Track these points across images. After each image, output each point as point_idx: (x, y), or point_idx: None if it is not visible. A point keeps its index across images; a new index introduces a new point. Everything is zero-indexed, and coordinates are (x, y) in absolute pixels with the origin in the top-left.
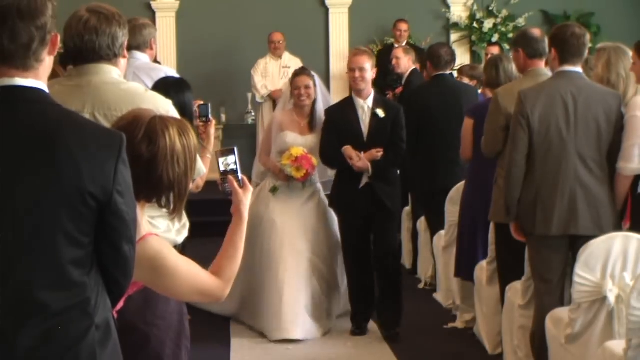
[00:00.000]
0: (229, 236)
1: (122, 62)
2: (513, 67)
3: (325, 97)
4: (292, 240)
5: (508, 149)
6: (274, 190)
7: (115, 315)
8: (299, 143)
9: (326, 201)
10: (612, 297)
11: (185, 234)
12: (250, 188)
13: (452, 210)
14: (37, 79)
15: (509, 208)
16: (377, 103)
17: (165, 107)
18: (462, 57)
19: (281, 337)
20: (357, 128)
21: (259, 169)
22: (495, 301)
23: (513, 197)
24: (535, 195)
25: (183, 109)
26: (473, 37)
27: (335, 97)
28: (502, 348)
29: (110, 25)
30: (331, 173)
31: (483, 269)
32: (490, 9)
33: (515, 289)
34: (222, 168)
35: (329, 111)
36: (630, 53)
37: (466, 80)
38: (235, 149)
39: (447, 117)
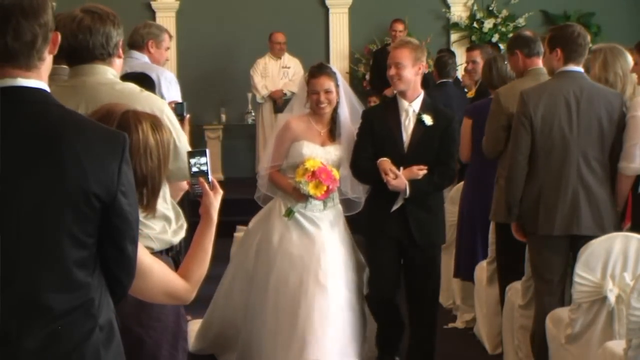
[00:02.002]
0: (197, 239)
1: (118, 62)
2: (507, 67)
3: (350, 99)
4: (314, 276)
5: (510, 148)
6: (289, 213)
7: None
8: (319, 155)
9: (345, 223)
10: (612, 297)
11: (182, 235)
12: (220, 191)
13: (451, 210)
14: (39, 79)
15: (510, 208)
16: (425, 107)
17: (160, 107)
18: (463, 57)
19: None
20: (396, 135)
21: (268, 184)
22: (495, 301)
23: (515, 197)
24: (537, 195)
25: None
26: (473, 37)
27: None
28: (502, 348)
29: (104, 25)
30: (363, 189)
31: (483, 269)
32: (491, 9)
33: (516, 289)
34: (193, 169)
35: (367, 112)
36: (627, 53)
37: None
38: (207, 151)
39: None
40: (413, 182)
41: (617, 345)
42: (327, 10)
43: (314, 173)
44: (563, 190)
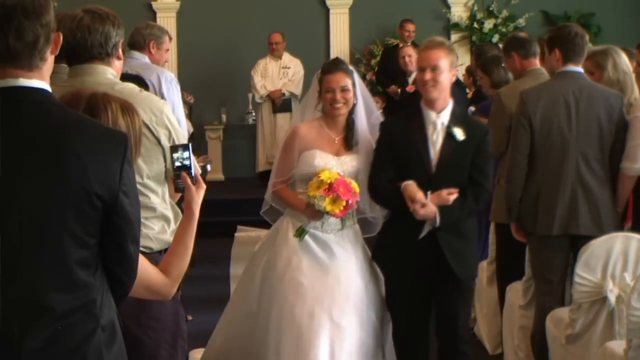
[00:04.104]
0: (178, 233)
1: (117, 63)
2: None
3: (367, 102)
4: (327, 312)
5: (509, 148)
6: (300, 233)
7: None
8: (333, 166)
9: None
10: (612, 298)
11: None
12: (204, 185)
13: None
14: (41, 79)
15: (510, 208)
16: (455, 119)
17: (160, 107)
18: (463, 58)
19: None
20: (422, 152)
21: (275, 200)
22: (496, 301)
23: (514, 197)
24: (536, 195)
25: None
26: (473, 38)
27: None
28: (502, 348)
29: (103, 24)
30: (381, 208)
31: (483, 269)
32: (491, 9)
33: (516, 289)
34: (175, 164)
35: (386, 125)
36: (622, 53)
37: None
38: (190, 145)
39: None
40: (443, 209)
41: (618, 345)
42: (327, 10)
43: (330, 186)
44: (562, 190)
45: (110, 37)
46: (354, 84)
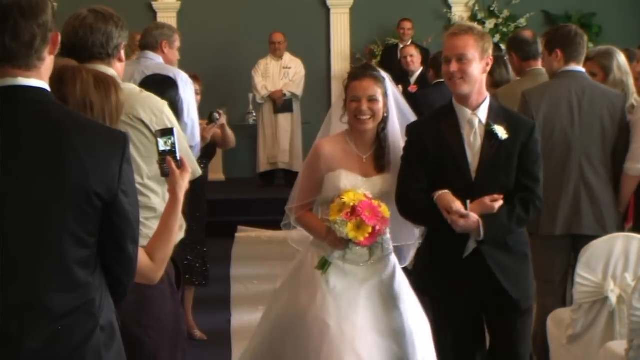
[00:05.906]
0: (163, 218)
1: (119, 65)
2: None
3: (403, 113)
4: (357, 353)
5: None
6: (323, 265)
7: None
8: (360, 188)
9: (405, 280)
10: (613, 298)
11: (181, 235)
12: (189, 170)
13: None
14: (40, 79)
15: None
16: (495, 115)
17: (160, 107)
18: None
19: None
20: (459, 157)
21: (298, 231)
22: None
23: None
24: None
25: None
26: None
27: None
28: None
29: (106, 24)
30: (421, 230)
31: None
32: (492, 9)
33: None
34: (161, 148)
35: (414, 127)
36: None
37: None
38: (174, 130)
39: None
40: (488, 219)
41: (618, 345)
42: (328, 10)
43: (353, 209)
44: (565, 190)
45: (112, 37)
46: (385, 94)
